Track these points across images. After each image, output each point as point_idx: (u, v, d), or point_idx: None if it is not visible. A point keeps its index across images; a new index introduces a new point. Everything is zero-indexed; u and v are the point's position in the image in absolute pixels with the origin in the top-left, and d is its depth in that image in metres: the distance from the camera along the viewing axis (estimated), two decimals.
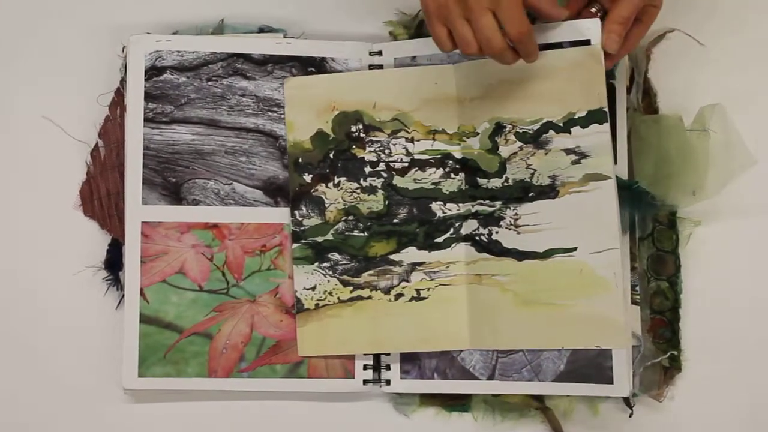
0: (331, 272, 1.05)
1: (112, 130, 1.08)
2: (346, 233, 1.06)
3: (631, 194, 1.04)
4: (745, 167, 1.03)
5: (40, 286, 1.07)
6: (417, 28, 1.09)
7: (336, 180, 1.06)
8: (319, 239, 1.06)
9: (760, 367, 1.05)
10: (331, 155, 1.06)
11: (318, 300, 1.05)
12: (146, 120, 1.06)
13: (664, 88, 1.08)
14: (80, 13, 1.10)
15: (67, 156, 1.08)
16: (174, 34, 1.08)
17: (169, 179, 1.06)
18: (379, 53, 1.07)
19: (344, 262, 1.05)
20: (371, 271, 1.05)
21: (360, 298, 1.05)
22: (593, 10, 0.99)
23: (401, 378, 1.05)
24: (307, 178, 1.06)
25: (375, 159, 1.06)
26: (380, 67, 1.07)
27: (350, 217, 1.06)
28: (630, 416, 1.04)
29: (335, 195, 1.06)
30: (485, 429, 1.06)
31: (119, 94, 1.08)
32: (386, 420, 1.06)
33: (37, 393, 1.06)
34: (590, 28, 0.98)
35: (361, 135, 1.06)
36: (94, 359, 1.06)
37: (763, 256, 1.07)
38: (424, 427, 1.06)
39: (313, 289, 1.05)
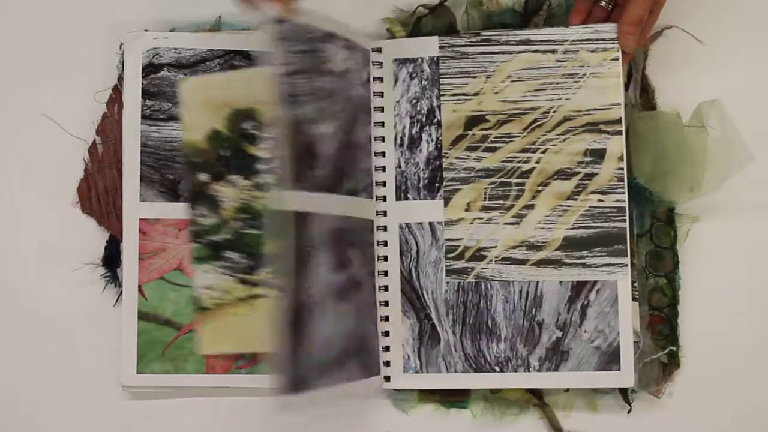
0: (228, 271, 1.05)
1: (110, 127, 1.08)
2: (242, 231, 1.05)
3: (629, 191, 1.04)
4: (743, 163, 1.03)
5: (37, 282, 1.07)
6: (415, 26, 1.09)
7: (230, 178, 1.06)
8: (216, 238, 1.05)
9: (759, 364, 1.05)
10: (226, 153, 1.06)
11: (216, 299, 1.05)
12: (144, 117, 1.06)
13: (661, 84, 1.08)
14: (78, 11, 1.10)
15: (64, 153, 1.08)
16: (171, 31, 1.08)
17: (167, 176, 1.06)
18: (378, 50, 1.07)
19: (241, 260, 1.05)
20: (267, 269, 1.05)
21: (257, 296, 1.05)
22: (603, 3, 0.99)
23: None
24: (203, 176, 1.05)
25: (267, 156, 1.06)
26: (378, 65, 1.07)
27: (246, 215, 1.05)
28: (628, 412, 1.04)
29: (230, 193, 1.05)
30: (484, 425, 1.05)
31: (117, 92, 1.08)
32: (385, 417, 1.06)
33: (35, 390, 1.06)
34: None
35: (254, 132, 1.06)
36: (93, 356, 1.06)
37: (761, 253, 1.06)
38: (423, 424, 1.06)
39: (212, 288, 1.05)
